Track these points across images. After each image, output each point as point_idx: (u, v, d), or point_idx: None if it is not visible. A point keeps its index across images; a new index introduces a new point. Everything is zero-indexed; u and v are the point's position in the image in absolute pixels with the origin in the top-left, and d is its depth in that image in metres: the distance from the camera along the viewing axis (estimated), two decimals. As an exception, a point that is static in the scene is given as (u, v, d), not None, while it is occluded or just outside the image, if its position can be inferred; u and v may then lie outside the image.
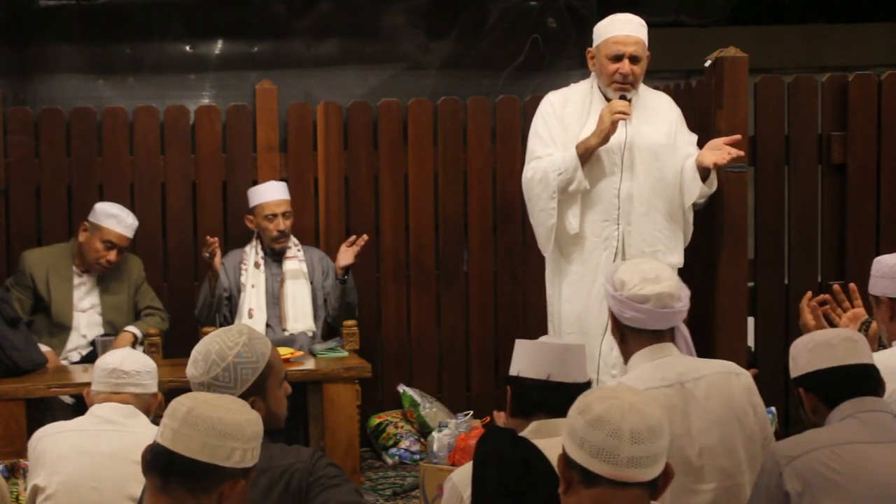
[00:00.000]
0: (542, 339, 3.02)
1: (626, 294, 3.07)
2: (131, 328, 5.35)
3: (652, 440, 2.01)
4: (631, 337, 3.13)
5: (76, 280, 5.40)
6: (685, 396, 3.02)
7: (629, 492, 2.02)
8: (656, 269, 3.14)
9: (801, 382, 2.90)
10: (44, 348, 5.16)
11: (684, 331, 3.21)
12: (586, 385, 2.82)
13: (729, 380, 3.09)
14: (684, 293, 3.14)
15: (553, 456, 2.11)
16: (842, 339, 2.88)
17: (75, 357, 5.33)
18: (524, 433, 2.74)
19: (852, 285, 3.73)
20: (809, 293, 3.70)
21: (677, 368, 3.06)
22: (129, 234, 5.42)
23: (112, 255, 5.35)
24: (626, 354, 3.17)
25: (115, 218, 5.37)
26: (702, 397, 3.03)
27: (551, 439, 2.59)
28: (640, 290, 3.06)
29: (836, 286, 3.75)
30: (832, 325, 3.64)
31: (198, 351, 2.66)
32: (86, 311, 5.39)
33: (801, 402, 2.94)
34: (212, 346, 2.64)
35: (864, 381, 2.84)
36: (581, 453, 2.04)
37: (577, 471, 2.05)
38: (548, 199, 4.70)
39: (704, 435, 3.01)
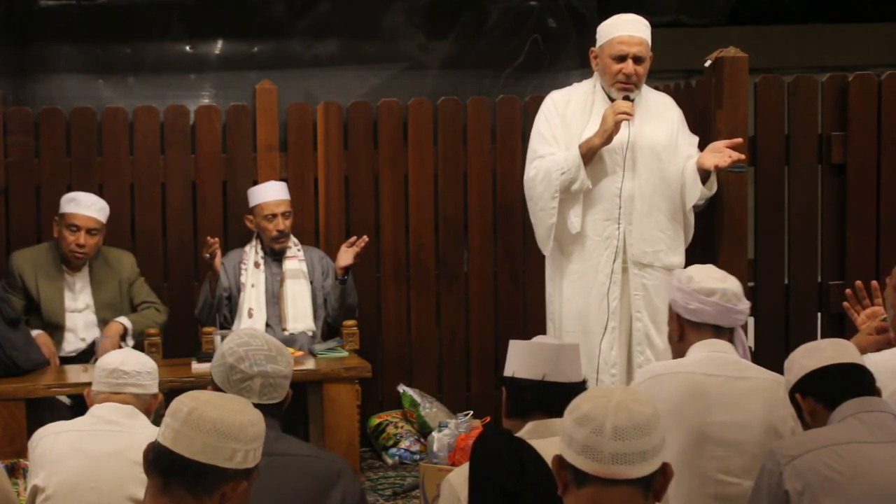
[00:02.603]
0: (537, 338, 3.01)
1: (694, 286, 3.20)
2: (122, 319, 5.27)
3: (637, 437, 2.00)
4: (691, 333, 3.24)
5: (67, 279, 5.33)
6: (727, 390, 3.11)
7: (619, 490, 2.01)
8: (722, 272, 3.30)
9: (796, 388, 2.92)
10: (37, 333, 5.11)
11: (743, 338, 3.31)
12: (581, 384, 2.82)
13: (777, 389, 3.15)
14: (746, 301, 3.27)
15: (550, 456, 2.11)
16: (830, 343, 2.96)
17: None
18: (521, 434, 2.74)
19: (874, 283, 3.72)
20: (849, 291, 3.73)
21: (731, 365, 3.18)
22: (94, 214, 5.27)
23: (80, 238, 5.21)
24: (680, 352, 3.25)
25: (74, 201, 5.28)
26: (744, 395, 3.11)
27: (548, 440, 2.60)
28: (708, 284, 3.19)
29: (858, 283, 3.75)
30: (852, 321, 3.70)
31: (268, 346, 2.80)
32: (81, 312, 5.32)
33: (798, 410, 2.95)
34: (269, 342, 2.80)
35: (858, 377, 2.85)
36: (569, 452, 2.04)
37: (570, 470, 2.05)
38: (549, 199, 4.71)
39: (738, 430, 3.10)
